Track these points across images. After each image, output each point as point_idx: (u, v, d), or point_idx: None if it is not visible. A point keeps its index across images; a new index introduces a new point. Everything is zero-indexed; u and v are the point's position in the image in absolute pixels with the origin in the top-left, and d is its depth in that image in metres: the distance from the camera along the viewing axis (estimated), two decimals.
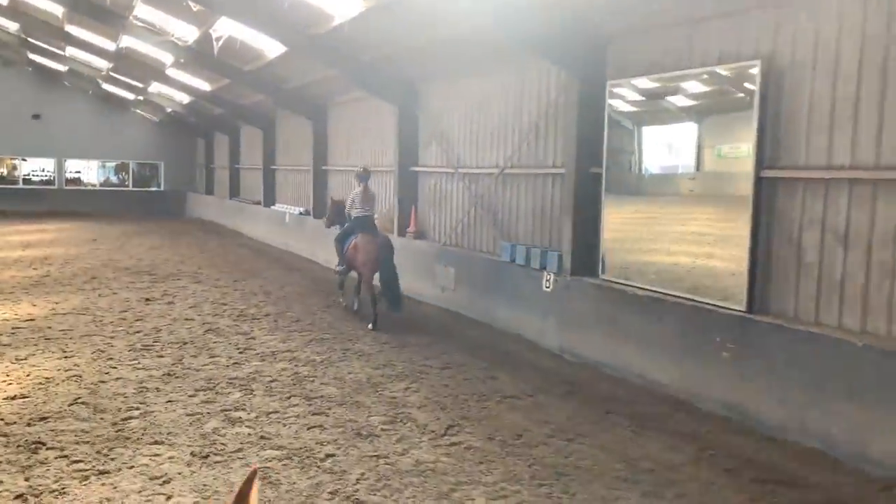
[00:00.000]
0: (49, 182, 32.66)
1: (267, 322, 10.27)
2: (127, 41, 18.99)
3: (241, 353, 8.54)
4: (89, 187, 33.33)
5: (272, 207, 21.61)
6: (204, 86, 21.50)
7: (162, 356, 8.28)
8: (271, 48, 14.75)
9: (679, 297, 7.20)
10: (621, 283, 7.99)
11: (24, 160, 32.54)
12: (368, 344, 9.14)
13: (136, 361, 8.03)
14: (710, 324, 6.77)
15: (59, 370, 7.58)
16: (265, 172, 22.31)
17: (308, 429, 6.05)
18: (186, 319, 10.27)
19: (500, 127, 10.69)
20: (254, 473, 1.69)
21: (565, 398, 7.14)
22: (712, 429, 6.32)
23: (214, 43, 14.63)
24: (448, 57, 11.38)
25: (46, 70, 29.61)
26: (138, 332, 9.44)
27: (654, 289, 7.53)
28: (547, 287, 8.93)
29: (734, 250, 6.80)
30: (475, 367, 8.15)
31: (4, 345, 8.59)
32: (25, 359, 8.00)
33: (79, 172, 33.75)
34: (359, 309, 10.92)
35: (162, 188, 33.67)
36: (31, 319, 9.99)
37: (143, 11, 15.74)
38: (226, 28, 14.42)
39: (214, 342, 9.00)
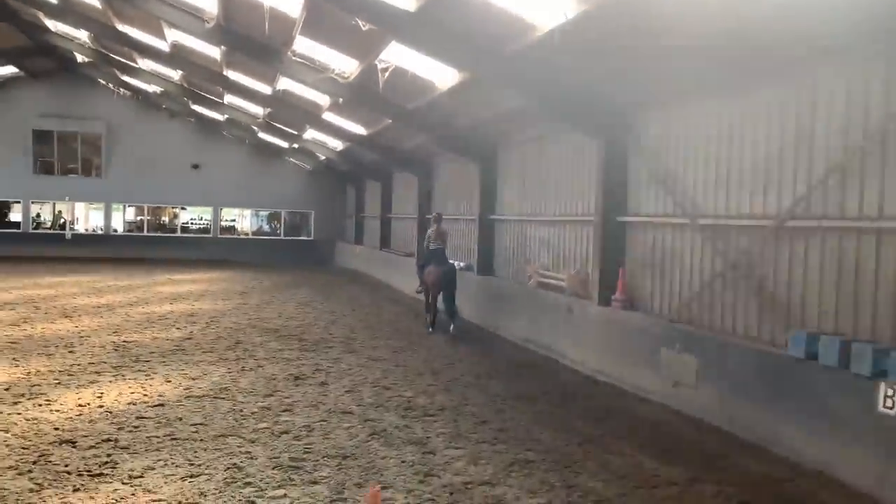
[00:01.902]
0: (205, 230, 32.95)
1: (443, 422, 7.70)
2: (284, 83, 17.84)
3: (421, 481, 5.97)
4: (242, 236, 33.31)
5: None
6: (359, 129, 20.03)
7: (316, 482, 5.87)
8: (442, 79, 12.65)
9: None
10: None
11: (183, 209, 33.14)
12: (602, 479, 6.27)
13: (282, 490, 5.67)
14: None
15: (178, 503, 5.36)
16: (420, 222, 20.32)
17: None
18: (343, 413, 7.92)
19: (770, 162, 7.67)
20: None
21: None
22: None
23: (380, 75, 12.75)
24: (678, 73, 8.60)
25: (207, 121, 29.94)
26: (285, 432, 7.17)
27: None
28: (888, 408, 5.69)
29: None
30: None
31: (121, 447, 6.57)
32: (140, 476, 5.87)
33: (234, 221, 33.97)
34: (428, 318, 13.92)
35: (312, 237, 33.00)
36: (161, 405, 8.04)
37: (302, 45, 14.28)
38: (393, 57, 12.51)
39: (383, 457, 6.51)
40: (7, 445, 6.55)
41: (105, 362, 10.22)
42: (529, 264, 12.92)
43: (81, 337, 12.20)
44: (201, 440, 6.85)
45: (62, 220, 31.66)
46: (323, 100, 18.24)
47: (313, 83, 15.59)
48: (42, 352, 10.87)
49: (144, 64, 23.12)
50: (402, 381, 9.57)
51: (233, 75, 19.24)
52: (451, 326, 13.20)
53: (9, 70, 27.94)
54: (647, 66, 8.85)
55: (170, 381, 9.17)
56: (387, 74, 12.89)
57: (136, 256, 30.11)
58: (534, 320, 12.02)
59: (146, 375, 9.47)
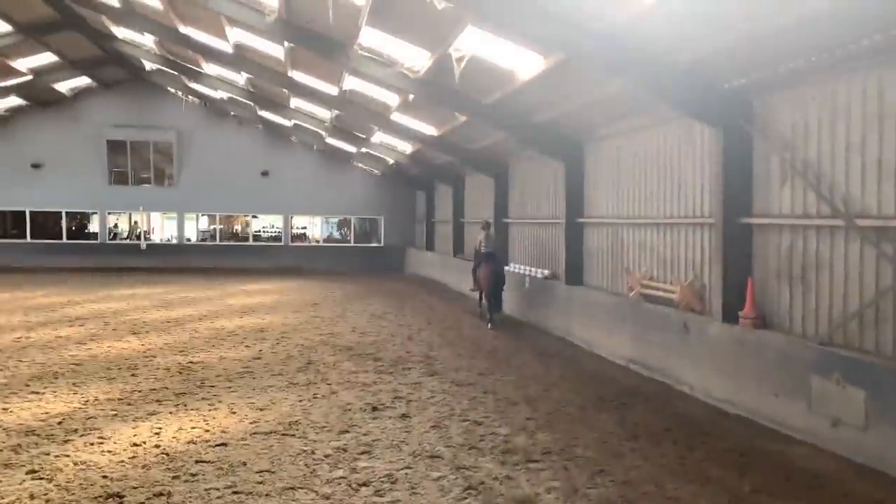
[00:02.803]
0: (276, 238, 32.61)
1: (552, 470, 6.39)
2: (351, 82, 16.88)
3: None
4: (313, 243, 32.81)
5: (506, 268, 18.15)
6: (429, 130, 18.91)
7: None
8: (524, 67, 11.35)
9: None
10: None
11: (255, 217, 32.90)
12: None
13: None
14: None
15: None
16: (497, 226, 19.01)
17: None
18: (431, 458, 6.71)
19: None
20: None
21: None
22: None
23: (455, 65, 11.54)
24: (813, 45, 7.03)
25: (275, 127, 29.52)
26: (364, 484, 6.02)
27: None
28: None
29: None
30: None
31: None
32: None
33: (304, 228, 33.52)
34: (482, 314, 15.58)
35: (382, 244, 32.18)
36: (224, 444, 7.04)
37: (369, 38, 13.24)
38: (469, 45, 11.29)
39: None
40: (48, 502, 5.62)
41: (168, 388, 9.37)
42: (630, 274, 11.45)
43: (146, 357, 11.47)
44: (267, 495, 5.78)
45: (138, 231, 31.88)
46: (392, 99, 17.21)
47: (382, 79, 14.53)
48: (104, 375, 10.14)
49: (210, 69, 22.69)
50: (495, 412, 8.31)
51: (297, 76, 18.43)
52: (492, 318, 14.93)
53: (82, 81, 28.17)
54: (774, 38, 7.32)
55: (235, 413, 8.20)
56: (462, 64, 11.66)
57: (210, 266, 29.99)
58: (639, 338, 10.56)
59: (210, 405, 8.53)
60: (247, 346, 12.49)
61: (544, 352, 12.11)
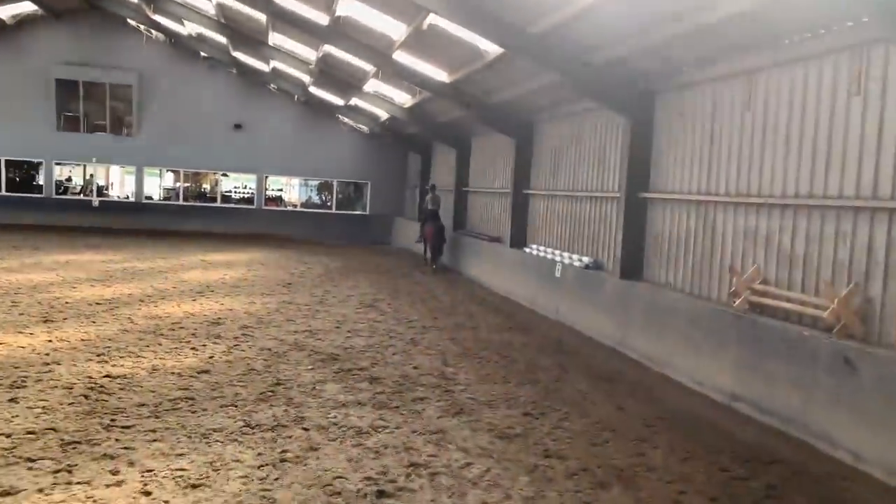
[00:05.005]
0: (248, 201, 28.97)
1: None
2: (346, 6, 13.31)
3: None
4: (289, 208, 29.22)
5: (525, 250, 14.90)
6: (440, 75, 15.41)
7: None
8: None
9: None
10: None
11: (225, 175, 29.19)
12: None
13: None
14: None
15: None
16: (515, 198, 15.70)
17: None
18: None
19: None
20: None
21: None
22: None
23: None
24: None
25: (250, 73, 25.79)
26: None
27: None
28: None
29: None
30: None
31: None
32: None
33: (280, 190, 29.92)
34: (427, 261, 19.00)
35: (367, 212, 28.69)
36: None
37: None
38: None
39: None
40: None
41: (55, 429, 6.01)
42: (736, 273, 8.21)
43: (46, 364, 8.06)
44: None
45: (94, 186, 27.99)
46: (396, 30, 13.67)
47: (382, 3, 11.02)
48: None
49: None
50: (575, 502, 5.09)
51: None
52: (435, 265, 18.66)
53: (26, 7, 24.02)
54: None
55: (147, 495, 4.88)
56: None
57: (170, 229, 26.37)
58: (750, 367, 7.39)
59: (112, 474, 5.19)
60: (193, 350, 9.12)
61: (601, 374, 8.87)
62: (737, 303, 8.02)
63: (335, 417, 6.70)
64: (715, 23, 7.72)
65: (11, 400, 6.77)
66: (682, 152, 9.77)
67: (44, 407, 6.62)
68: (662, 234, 10.14)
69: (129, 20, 25.28)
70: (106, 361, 8.31)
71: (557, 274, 12.51)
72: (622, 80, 10.49)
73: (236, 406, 6.92)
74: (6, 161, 26.73)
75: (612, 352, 10.04)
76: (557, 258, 12.91)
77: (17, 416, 6.34)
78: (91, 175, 28.16)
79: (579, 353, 9.90)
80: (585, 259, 12.05)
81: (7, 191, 26.76)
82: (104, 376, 7.69)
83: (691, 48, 8.82)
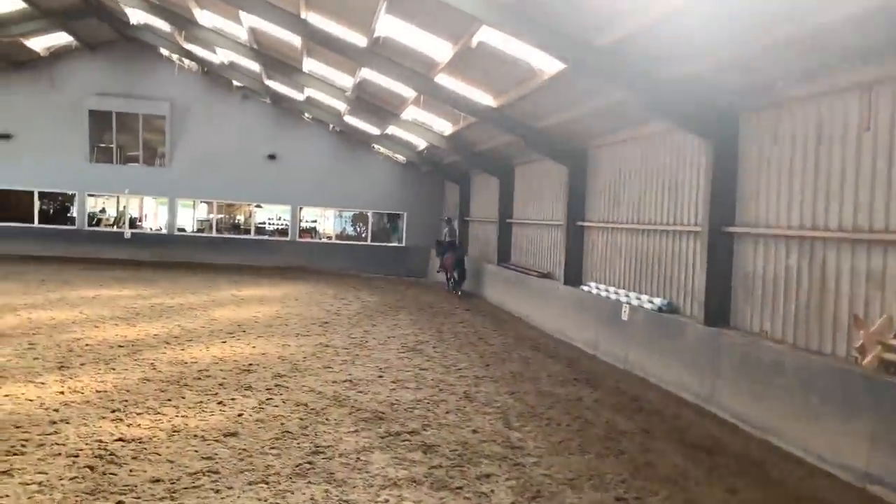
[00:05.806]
0: (283, 232, 28.14)
1: None
2: (386, 26, 12.38)
3: None
4: (324, 240, 28.31)
5: (583, 288, 13.61)
6: (485, 99, 14.38)
7: None
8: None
9: None
10: None
11: (259, 207, 28.47)
12: None
13: None
14: None
15: None
16: (569, 230, 14.46)
17: None
18: None
19: None
20: None
21: None
22: None
23: None
24: None
25: (284, 101, 25.09)
26: None
27: None
28: None
29: None
30: None
31: None
32: None
33: (314, 222, 29.04)
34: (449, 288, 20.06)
35: (403, 244, 27.64)
36: None
37: None
38: None
39: None
40: None
41: None
42: (861, 325, 6.86)
43: (53, 423, 7.02)
44: None
45: (128, 217, 27.44)
46: (441, 50, 12.69)
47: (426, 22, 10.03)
48: None
49: (204, 17, 18.20)
50: None
51: (314, 19, 13.90)
52: (460, 291, 19.90)
53: (60, 39, 23.77)
54: None
55: None
56: None
57: (203, 261, 25.60)
58: (893, 445, 5.99)
59: None
60: (220, 404, 8.01)
61: (695, 442, 7.49)
62: (866, 361, 6.66)
63: (387, 502, 5.48)
64: (828, 25, 6.53)
65: (4, 473, 5.71)
66: (778, 180, 8.49)
67: (40, 483, 5.55)
68: (754, 274, 8.81)
69: (161, 50, 24.86)
70: (121, 420, 7.24)
71: (624, 317, 11.20)
72: (700, 97, 9.28)
73: (267, 483, 5.76)
74: (39, 193, 26.33)
75: (699, 411, 8.66)
76: (623, 298, 11.61)
77: (6, 496, 5.27)
78: (124, 207, 27.64)
79: (662, 413, 8.53)
80: (657, 301, 10.74)
81: (40, 223, 26.31)
82: (116, 440, 6.61)
83: (788, 61, 7.61)
